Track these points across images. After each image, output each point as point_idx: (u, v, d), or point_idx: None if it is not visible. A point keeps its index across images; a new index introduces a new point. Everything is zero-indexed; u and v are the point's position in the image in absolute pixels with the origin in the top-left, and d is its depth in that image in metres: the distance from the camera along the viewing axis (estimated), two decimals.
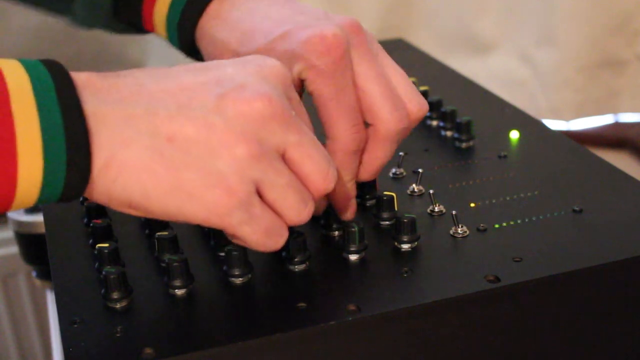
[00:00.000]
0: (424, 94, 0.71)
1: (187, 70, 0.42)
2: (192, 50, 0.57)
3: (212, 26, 0.54)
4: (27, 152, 0.36)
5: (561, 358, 0.48)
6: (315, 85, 0.47)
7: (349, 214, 0.50)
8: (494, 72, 1.23)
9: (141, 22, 0.60)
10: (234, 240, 0.43)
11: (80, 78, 0.39)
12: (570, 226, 0.51)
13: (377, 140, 0.49)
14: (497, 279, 0.45)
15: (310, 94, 0.48)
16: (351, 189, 0.49)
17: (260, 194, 0.41)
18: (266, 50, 0.49)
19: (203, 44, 0.55)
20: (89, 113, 0.38)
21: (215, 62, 0.43)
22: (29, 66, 0.38)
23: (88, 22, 0.63)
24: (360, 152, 0.49)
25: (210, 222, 0.40)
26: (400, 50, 0.89)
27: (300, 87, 0.48)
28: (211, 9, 0.54)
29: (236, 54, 0.51)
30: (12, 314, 1.29)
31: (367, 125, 0.49)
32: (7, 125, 0.36)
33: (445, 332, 0.45)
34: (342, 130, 0.47)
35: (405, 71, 0.79)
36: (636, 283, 0.48)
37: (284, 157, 0.41)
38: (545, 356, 0.48)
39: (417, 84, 0.73)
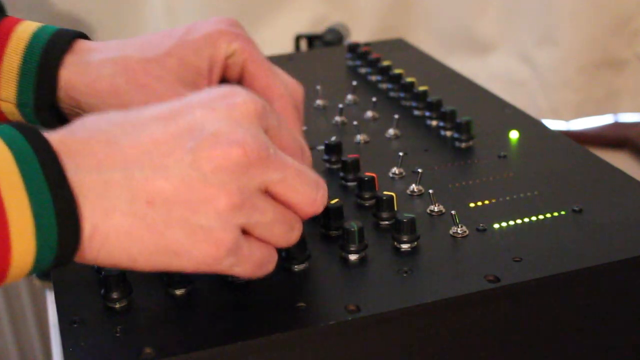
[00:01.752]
0: (424, 94, 0.71)
1: (156, 118, 0.40)
2: (46, 103, 0.52)
3: (94, 54, 0.52)
4: (20, 237, 0.36)
5: (561, 358, 0.48)
6: (248, 51, 0.50)
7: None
8: (494, 72, 1.23)
9: None
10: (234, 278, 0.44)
11: (55, 140, 0.38)
12: (570, 226, 0.51)
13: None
14: (497, 279, 0.45)
15: (241, 67, 0.51)
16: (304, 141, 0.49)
17: (246, 232, 0.41)
18: (179, 44, 0.51)
19: (85, 76, 0.51)
20: (72, 183, 0.37)
21: (182, 102, 0.41)
22: (9, 141, 0.37)
23: None
24: None
25: (201, 271, 0.40)
26: (400, 50, 0.89)
27: (220, 69, 0.51)
28: (80, 46, 0.53)
29: (144, 61, 0.51)
30: (12, 314, 1.29)
31: None
32: None
33: (445, 332, 0.45)
34: (282, 84, 0.50)
35: (405, 71, 0.79)
36: (636, 283, 0.48)
37: (268, 191, 0.41)
38: (545, 356, 0.48)
39: (417, 84, 0.74)
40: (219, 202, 0.38)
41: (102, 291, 0.45)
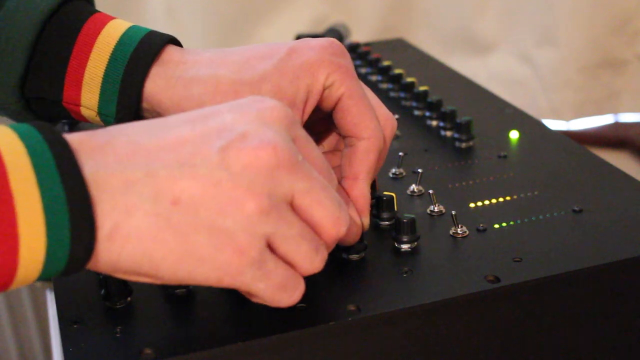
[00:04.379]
0: (424, 94, 0.71)
1: (184, 121, 0.39)
2: (129, 110, 0.50)
3: (184, 69, 0.49)
4: (29, 232, 0.34)
5: (561, 358, 0.48)
6: (346, 84, 0.47)
7: (366, 219, 0.48)
8: (494, 72, 1.23)
9: (61, 86, 0.51)
10: (251, 298, 0.41)
11: (74, 140, 0.36)
12: (570, 226, 0.51)
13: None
14: (497, 279, 0.45)
15: (337, 100, 0.47)
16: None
17: (271, 247, 0.39)
18: (277, 69, 0.47)
19: (172, 91, 0.49)
20: (89, 179, 0.35)
21: (211, 108, 0.40)
22: (23, 135, 0.35)
23: None
24: None
25: (223, 283, 0.38)
26: (400, 50, 0.89)
27: (316, 100, 0.47)
28: (169, 56, 0.50)
29: (237, 83, 0.47)
30: (12, 314, 1.29)
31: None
32: (7, 206, 0.34)
33: (445, 332, 0.45)
34: (376, 125, 0.47)
35: (405, 71, 0.79)
36: (636, 283, 0.48)
37: (292, 205, 0.39)
38: (545, 356, 0.48)
39: (417, 84, 0.74)
40: (246, 204, 0.37)
41: (102, 291, 0.45)
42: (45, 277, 0.36)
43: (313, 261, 0.40)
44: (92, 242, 0.35)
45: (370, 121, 0.47)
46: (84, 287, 0.47)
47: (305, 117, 0.48)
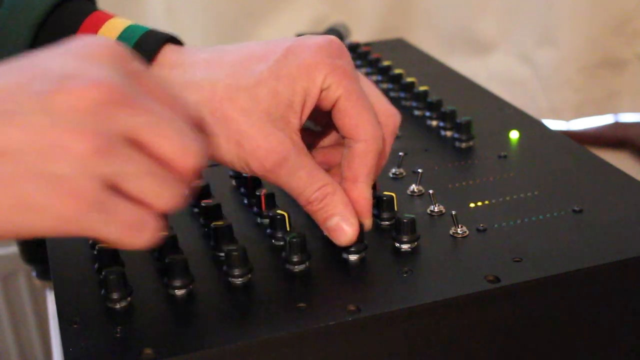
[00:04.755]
0: (424, 94, 0.71)
1: (11, 70, 0.37)
2: None
3: (179, 73, 0.48)
4: None
5: (561, 358, 0.48)
6: (344, 86, 0.46)
7: (371, 221, 0.48)
8: (494, 72, 1.23)
9: None
10: (105, 243, 0.39)
11: None
12: (570, 226, 0.51)
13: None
14: (497, 279, 0.45)
15: (331, 102, 0.47)
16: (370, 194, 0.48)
17: (116, 188, 0.37)
18: (272, 72, 0.46)
19: None
20: None
21: (37, 54, 0.38)
22: None
23: None
24: None
25: (64, 231, 0.36)
26: (400, 50, 0.89)
27: (313, 103, 0.47)
28: (165, 58, 0.49)
29: (232, 88, 0.46)
30: (12, 314, 1.29)
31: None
32: None
33: (445, 332, 0.45)
34: (374, 128, 0.47)
35: (405, 71, 0.79)
36: (636, 283, 0.48)
37: (136, 142, 0.37)
38: (545, 356, 0.48)
39: (417, 84, 0.74)
40: (74, 146, 0.35)
41: (102, 291, 0.45)
42: None
43: (163, 197, 0.38)
44: None
45: (367, 123, 0.47)
46: (84, 287, 0.47)
47: (304, 119, 0.47)
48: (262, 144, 0.45)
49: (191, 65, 0.48)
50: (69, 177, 0.35)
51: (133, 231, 0.38)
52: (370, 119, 0.47)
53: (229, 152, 0.46)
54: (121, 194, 0.37)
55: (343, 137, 0.48)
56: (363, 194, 0.48)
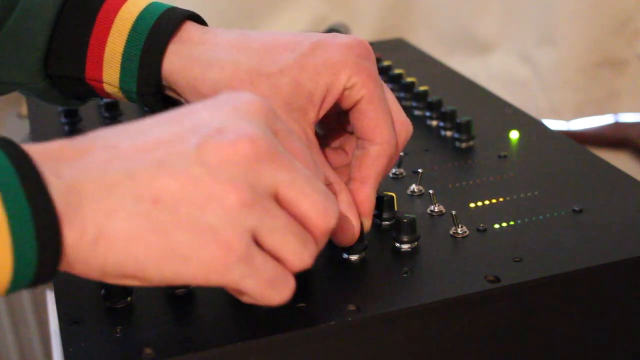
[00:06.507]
0: (424, 94, 0.71)
1: (160, 122, 0.39)
2: (150, 87, 0.50)
3: (203, 50, 0.48)
4: None
5: (561, 358, 0.48)
6: (367, 88, 0.46)
7: (368, 222, 0.48)
8: (494, 72, 1.23)
9: (82, 64, 0.51)
10: (241, 298, 0.40)
11: (53, 148, 0.36)
12: (570, 226, 0.51)
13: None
14: (497, 279, 0.45)
15: (352, 102, 0.47)
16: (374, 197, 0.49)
17: (258, 242, 0.38)
18: (298, 63, 0.46)
19: (190, 72, 0.49)
20: (68, 186, 0.35)
21: (187, 108, 0.40)
22: None
23: (6, 69, 0.53)
24: None
25: (211, 282, 0.37)
26: (400, 50, 0.89)
27: (334, 100, 0.47)
28: (188, 34, 0.49)
29: (254, 73, 0.47)
30: (12, 314, 1.29)
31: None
32: None
33: (445, 332, 0.45)
34: (391, 131, 0.47)
35: (405, 71, 0.79)
36: (636, 283, 0.48)
37: (277, 199, 0.39)
38: (545, 356, 0.48)
39: (417, 84, 0.74)
40: (227, 198, 0.36)
41: (102, 291, 0.45)
42: (15, 287, 0.35)
43: (302, 256, 0.39)
44: (59, 251, 0.35)
45: (385, 127, 0.47)
46: (84, 287, 0.47)
47: (321, 114, 0.47)
48: None
49: (215, 44, 0.49)
50: (220, 228, 0.36)
51: (272, 287, 0.39)
52: (387, 124, 0.47)
53: None
54: (263, 250, 0.38)
55: (357, 139, 0.48)
56: (369, 196, 0.48)
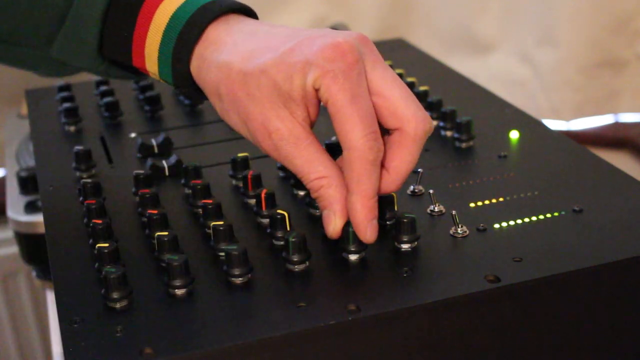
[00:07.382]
0: (424, 94, 0.71)
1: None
2: (186, 82, 0.53)
3: (212, 51, 0.51)
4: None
5: (561, 358, 0.48)
6: (330, 91, 0.45)
7: (370, 234, 0.47)
8: (494, 72, 1.23)
9: (129, 55, 0.55)
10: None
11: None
12: (570, 226, 0.51)
13: (405, 143, 0.47)
14: (497, 279, 0.45)
15: (325, 104, 0.46)
16: (373, 206, 0.47)
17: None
18: (275, 64, 0.47)
19: (202, 72, 0.51)
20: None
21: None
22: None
23: (72, 59, 0.57)
24: (379, 164, 0.47)
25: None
26: (400, 50, 0.89)
27: (316, 98, 0.47)
28: (209, 35, 0.51)
29: (242, 73, 0.48)
30: (12, 314, 1.29)
31: (388, 133, 0.48)
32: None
33: (446, 332, 0.45)
34: (359, 137, 0.45)
35: (405, 71, 0.79)
36: (636, 283, 0.48)
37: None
38: (545, 356, 0.48)
39: (417, 84, 0.74)
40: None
41: (102, 291, 0.45)
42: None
43: None
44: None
45: (351, 132, 0.46)
46: (84, 287, 0.47)
47: (312, 111, 0.47)
48: (260, 127, 0.47)
49: (223, 44, 0.50)
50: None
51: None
52: (353, 128, 0.46)
53: (242, 128, 0.49)
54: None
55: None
56: (351, 205, 0.47)
